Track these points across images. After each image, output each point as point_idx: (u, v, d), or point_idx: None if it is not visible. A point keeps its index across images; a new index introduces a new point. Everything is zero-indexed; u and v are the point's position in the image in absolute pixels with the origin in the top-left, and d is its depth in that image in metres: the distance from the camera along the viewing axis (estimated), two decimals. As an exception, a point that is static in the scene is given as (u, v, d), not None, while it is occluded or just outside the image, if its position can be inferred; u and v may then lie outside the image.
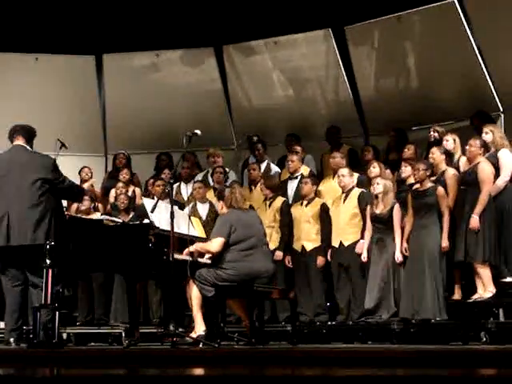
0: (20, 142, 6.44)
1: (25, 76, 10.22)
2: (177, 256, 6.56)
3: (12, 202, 6.24)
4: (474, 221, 7.10)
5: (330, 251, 8.11)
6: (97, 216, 8.35)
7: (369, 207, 7.82)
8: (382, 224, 7.67)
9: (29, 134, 6.48)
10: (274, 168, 9.45)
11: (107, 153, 10.87)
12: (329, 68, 9.99)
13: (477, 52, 8.84)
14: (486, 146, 7.39)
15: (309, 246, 8.20)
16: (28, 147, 6.46)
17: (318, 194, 8.47)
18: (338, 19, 9.64)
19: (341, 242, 8.01)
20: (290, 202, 8.62)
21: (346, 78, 9.85)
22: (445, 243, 7.26)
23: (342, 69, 9.82)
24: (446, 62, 9.05)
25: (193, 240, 7.00)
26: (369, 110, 9.87)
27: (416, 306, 7.27)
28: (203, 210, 8.73)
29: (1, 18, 9.75)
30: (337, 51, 9.75)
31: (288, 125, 10.15)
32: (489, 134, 7.48)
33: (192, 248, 6.85)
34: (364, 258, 7.73)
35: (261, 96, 10.46)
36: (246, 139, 10.01)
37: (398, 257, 7.51)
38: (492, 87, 8.89)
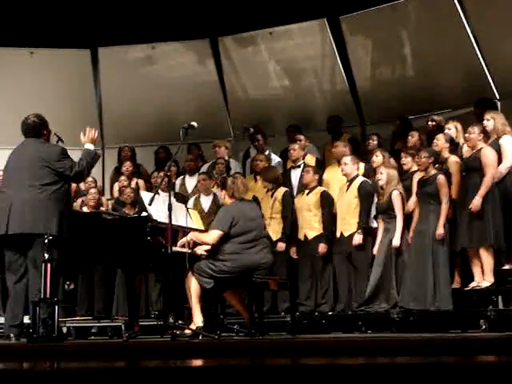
0: (31, 135, 6.46)
1: (20, 70, 10.21)
2: (175, 248, 6.57)
3: (18, 194, 6.24)
4: (477, 202, 7.02)
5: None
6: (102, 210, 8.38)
7: (376, 199, 7.83)
8: (385, 213, 7.66)
9: (39, 127, 6.49)
10: (275, 158, 9.41)
11: (104, 146, 10.87)
12: (325, 58, 9.98)
13: (473, 39, 8.84)
14: (485, 133, 7.33)
15: (311, 235, 8.18)
16: (39, 139, 6.47)
17: (322, 182, 8.44)
18: (333, 9, 9.63)
19: (341, 232, 8.01)
20: (295, 191, 8.61)
21: (342, 67, 9.85)
22: (440, 231, 7.23)
23: (338, 59, 9.81)
24: (442, 51, 9.04)
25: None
26: (365, 99, 9.87)
27: (417, 295, 7.26)
28: (206, 202, 8.72)
29: (-5, 12, 9.73)
30: (332, 41, 9.75)
31: (284, 115, 10.16)
32: (490, 121, 7.40)
33: (187, 238, 6.82)
34: (375, 251, 7.70)
35: (257, 87, 10.46)
36: (243, 130, 10.01)
37: (396, 243, 7.49)
38: (488, 74, 8.89)
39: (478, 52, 8.85)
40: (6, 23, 9.84)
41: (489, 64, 8.86)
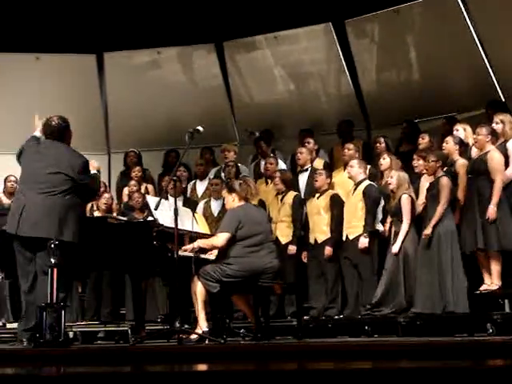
0: (54, 137, 6.40)
1: (26, 76, 10.24)
2: (181, 253, 6.56)
3: (33, 197, 6.21)
4: (492, 211, 6.98)
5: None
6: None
7: (383, 202, 7.81)
8: (395, 216, 7.64)
9: (63, 130, 6.42)
10: (281, 164, 9.41)
11: (110, 151, 10.89)
12: (330, 62, 9.99)
13: (478, 42, 8.84)
14: (493, 134, 7.29)
15: (321, 238, 8.16)
16: (64, 144, 6.41)
17: (331, 186, 8.44)
18: (338, 13, 9.64)
19: (346, 236, 8.01)
20: (303, 195, 8.59)
21: (347, 71, 9.85)
22: (428, 231, 7.18)
23: (343, 62, 9.82)
24: (447, 54, 9.04)
25: (196, 237, 6.99)
26: (371, 103, 9.87)
27: (429, 299, 7.22)
28: (216, 206, 8.71)
29: (1, 17, 9.75)
30: (337, 45, 9.75)
31: (290, 120, 10.16)
32: (499, 124, 7.39)
33: (195, 244, 6.81)
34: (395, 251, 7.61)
35: (262, 91, 10.47)
36: (248, 135, 10.01)
37: (395, 250, 7.44)
38: (494, 76, 8.88)
39: (483, 54, 8.84)
40: (12, 28, 9.87)
41: (494, 66, 8.85)
